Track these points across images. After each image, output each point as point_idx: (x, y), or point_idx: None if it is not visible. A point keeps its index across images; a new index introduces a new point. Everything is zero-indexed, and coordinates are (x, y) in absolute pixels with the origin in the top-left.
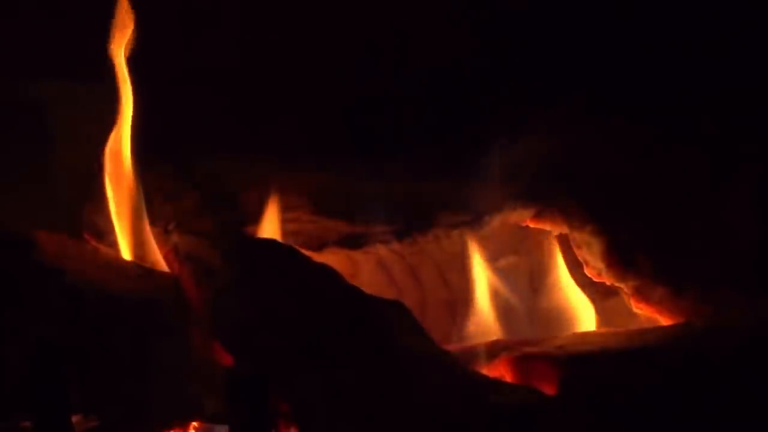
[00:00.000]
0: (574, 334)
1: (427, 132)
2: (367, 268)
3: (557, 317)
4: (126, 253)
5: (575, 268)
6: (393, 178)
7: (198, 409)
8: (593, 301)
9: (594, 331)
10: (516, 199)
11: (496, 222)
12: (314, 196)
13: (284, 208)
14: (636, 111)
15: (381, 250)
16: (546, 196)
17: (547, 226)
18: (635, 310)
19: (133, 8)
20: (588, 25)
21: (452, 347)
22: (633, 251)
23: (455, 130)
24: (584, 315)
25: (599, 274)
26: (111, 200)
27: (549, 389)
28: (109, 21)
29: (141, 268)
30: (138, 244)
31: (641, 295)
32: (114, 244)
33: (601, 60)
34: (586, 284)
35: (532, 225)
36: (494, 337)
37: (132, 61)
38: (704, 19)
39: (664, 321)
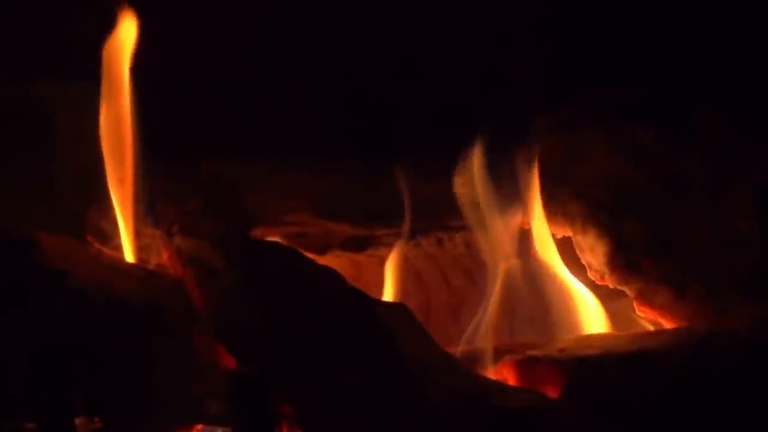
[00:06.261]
0: (577, 337)
1: (431, 134)
2: (370, 271)
3: (563, 319)
4: (130, 255)
5: (578, 270)
6: (396, 181)
7: (201, 411)
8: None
9: (597, 334)
10: (518, 202)
11: (498, 225)
12: (318, 199)
13: (287, 211)
14: (638, 112)
15: (384, 252)
16: (549, 199)
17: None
18: (638, 313)
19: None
20: (589, 26)
21: (456, 350)
22: (636, 254)
23: (458, 133)
24: (593, 316)
25: (602, 278)
26: (115, 203)
27: (552, 392)
28: (110, 21)
29: (145, 271)
30: (141, 246)
31: (644, 298)
32: (118, 247)
33: (602, 61)
34: (589, 287)
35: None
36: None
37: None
38: (706, 19)
39: (667, 324)
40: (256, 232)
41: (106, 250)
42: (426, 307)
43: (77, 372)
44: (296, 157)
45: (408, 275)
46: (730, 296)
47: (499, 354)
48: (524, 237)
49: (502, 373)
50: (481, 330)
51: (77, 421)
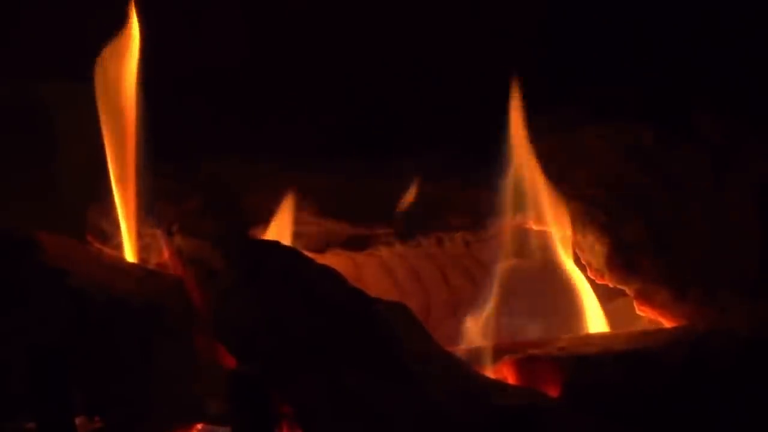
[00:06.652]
0: (577, 335)
1: (431, 134)
2: (370, 270)
3: (564, 318)
4: (130, 255)
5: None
6: (396, 181)
7: (201, 410)
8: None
9: (596, 332)
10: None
11: (498, 224)
12: (317, 198)
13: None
14: (638, 112)
15: (384, 252)
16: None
17: (549, 229)
18: (638, 312)
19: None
20: (589, 26)
21: (455, 349)
22: (636, 254)
23: (459, 133)
24: (594, 315)
25: (602, 277)
26: (117, 202)
27: (552, 391)
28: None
29: (145, 271)
30: (142, 246)
31: (644, 297)
32: (118, 247)
33: (602, 61)
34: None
35: (534, 227)
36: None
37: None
38: (705, 18)
39: (667, 323)
40: (257, 232)
41: (106, 250)
42: (426, 306)
43: (77, 372)
44: (296, 157)
45: (408, 275)
46: (730, 296)
47: (498, 353)
48: (524, 236)
49: (501, 372)
50: (480, 329)
51: (77, 421)
